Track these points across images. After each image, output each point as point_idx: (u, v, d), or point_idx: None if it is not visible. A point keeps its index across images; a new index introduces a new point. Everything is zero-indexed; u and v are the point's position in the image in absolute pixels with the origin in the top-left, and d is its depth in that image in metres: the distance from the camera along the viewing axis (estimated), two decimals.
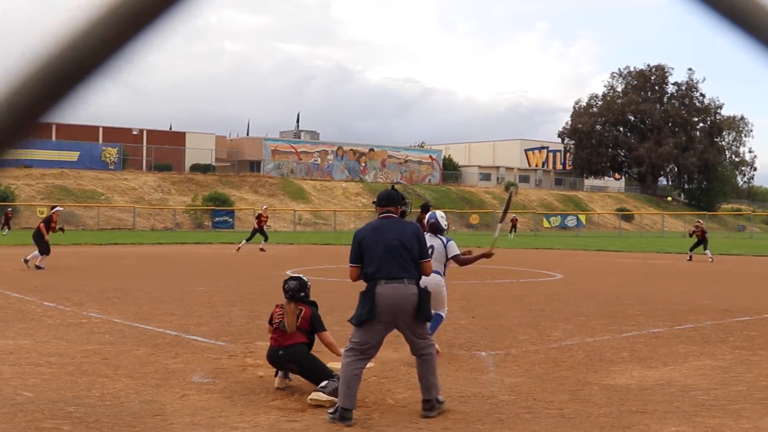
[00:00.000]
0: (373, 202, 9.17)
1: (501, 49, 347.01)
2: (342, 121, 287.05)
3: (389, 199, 8.96)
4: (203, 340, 12.94)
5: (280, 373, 9.64)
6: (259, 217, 40.29)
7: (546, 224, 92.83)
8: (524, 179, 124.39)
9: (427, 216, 12.52)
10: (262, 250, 39.53)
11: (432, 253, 11.64)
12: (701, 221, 40.54)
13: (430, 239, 11.86)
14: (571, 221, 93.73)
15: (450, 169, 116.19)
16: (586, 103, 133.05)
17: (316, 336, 9.71)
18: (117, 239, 50.34)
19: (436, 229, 12.16)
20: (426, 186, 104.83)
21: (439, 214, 12.41)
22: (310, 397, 8.86)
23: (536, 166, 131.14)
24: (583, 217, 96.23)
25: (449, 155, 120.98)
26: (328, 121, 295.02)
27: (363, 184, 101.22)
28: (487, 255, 12.27)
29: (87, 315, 15.53)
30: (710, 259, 37.13)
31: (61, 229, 29.15)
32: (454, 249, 12.04)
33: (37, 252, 26.92)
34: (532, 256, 39.52)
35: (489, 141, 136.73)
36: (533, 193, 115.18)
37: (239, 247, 39.80)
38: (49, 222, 27.44)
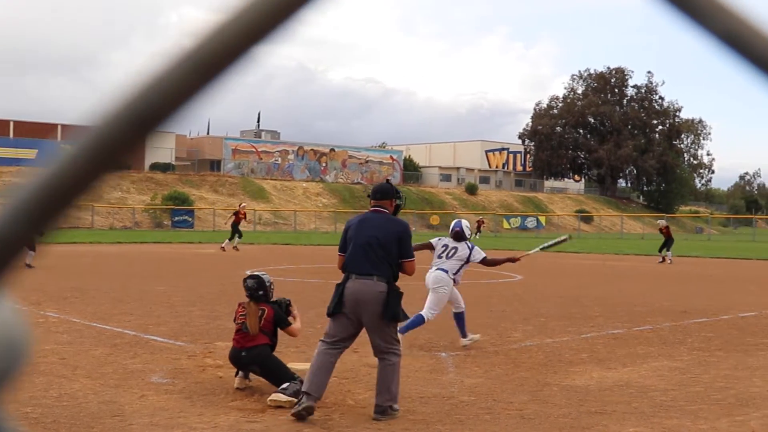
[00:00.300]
0: (368, 195, 9.24)
1: (462, 50, 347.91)
2: (303, 120, 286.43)
3: (383, 193, 9.00)
4: (162, 340, 12.87)
5: (240, 373, 9.61)
6: (236, 214, 40.17)
7: (506, 225, 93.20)
8: (484, 180, 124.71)
9: (453, 224, 13.05)
10: (222, 249, 39.39)
11: (454, 254, 12.54)
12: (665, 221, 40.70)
13: (453, 243, 12.69)
14: (531, 222, 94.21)
15: (410, 170, 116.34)
16: (547, 104, 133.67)
17: (280, 332, 9.71)
18: (75, 238, 49.93)
19: (460, 236, 12.79)
20: None
21: (465, 223, 13.04)
22: (270, 398, 8.82)
23: (496, 167, 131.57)
24: (542, 219, 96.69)
25: (410, 156, 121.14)
26: (289, 120, 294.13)
27: (323, 185, 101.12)
28: (513, 260, 13.30)
29: (44, 314, 15.39)
30: (669, 261, 37.50)
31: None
32: (480, 253, 12.76)
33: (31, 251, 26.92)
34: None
35: (450, 142, 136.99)
36: (493, 195, 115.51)
37: (235, 247, 39.75)
38: None
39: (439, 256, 12.70)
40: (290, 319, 9.90)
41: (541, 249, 14.55)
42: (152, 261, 32.99)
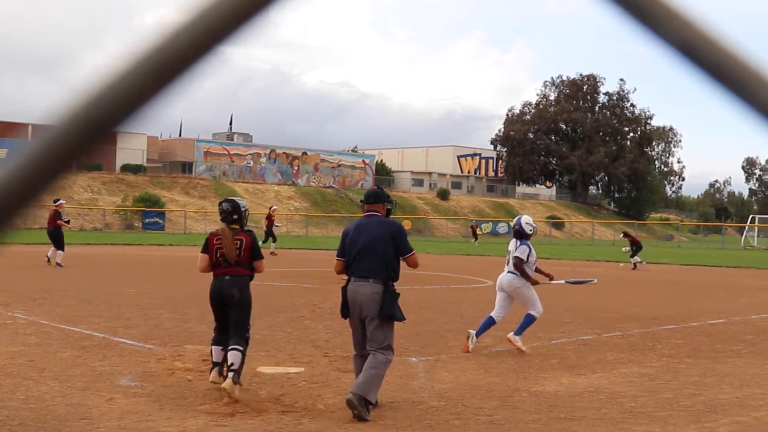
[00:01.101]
0: (360, 201, 9.72)
1: (437, 55, 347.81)
2: (276, 123, 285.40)
3: (376, 197, 9.51)
4: (131, 343, 12.80)
5: (215, 368, 9.60)
6: (269, 217, 39.80)
7: (478, 231, 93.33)
8: (456, 185, 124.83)
9: (514, 221, 13.41)
10: (273, 254, 38.14)
11: (511, 258, 12.95)
12: (627, 232, 41.18)
13: (512, 245, 13.13)
14: (502, 228, 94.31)
15: (383, 174, 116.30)
16: (519, 110, 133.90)
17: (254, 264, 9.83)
18: (44, 239, 49.62)
19: (519, 234, 13.08)
20: (358, 191, 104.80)
21: (524, 220, 13.25)
22: (224, 384, 8.90)
23: (468, 172, 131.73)
24: None
25: (382, 160, 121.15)
26: (261, 123, 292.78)
27: (295, 188, 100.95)
28: (533, 281, 13.14)
29: (12, 316, 15.29)
30: (642, 265, 37.73)
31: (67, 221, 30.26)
32: (521, 253, 12.90)
33: (60, 251, 27.87)
34: (464, 263, 39.69)
35: (422, 147, 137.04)
36: (465, 200, 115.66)
37: (272, 252, 38.42)
38: (60, 216, 28.37)
39: (507, 262, 13.21)
40: None
41: (566, 281, 14.81)
42: (122, 263, 32.83)
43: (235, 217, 9.75)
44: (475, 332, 13.06)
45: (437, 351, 12.89)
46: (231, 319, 9.44)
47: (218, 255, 9.57)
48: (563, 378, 11.07)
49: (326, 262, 34.18)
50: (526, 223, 13.16)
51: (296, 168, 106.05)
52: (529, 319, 13.04)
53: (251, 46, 0.75)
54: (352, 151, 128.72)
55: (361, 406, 8.47)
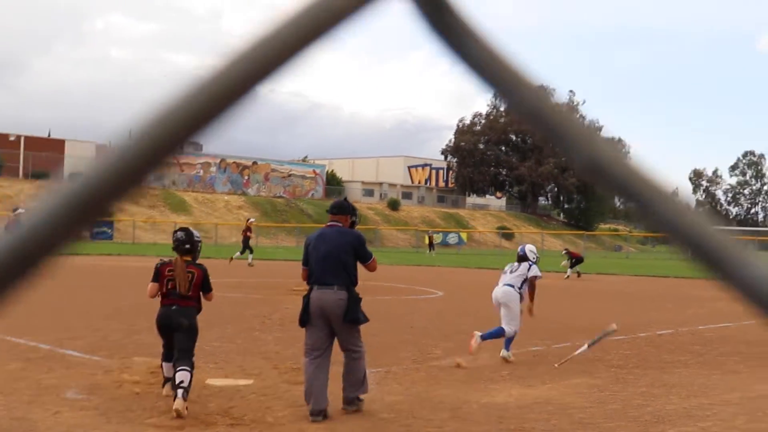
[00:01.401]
0: (327, 211, 10.13)
1: (388, 65, 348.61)
2: (226, 133, 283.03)
3: (340, 209, 9.97)
4: (78, 355, 12.66)
5: (167, 383, 9.56)
6: (247, 229, 41.36)
7: (427, 241, 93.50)
8: (407, 196, 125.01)
9: (518, 249, 14.73)
10: (230, 259, 40.87)
11: (517, 269, 14.11)
12: (569, 250, 42.98)
13: (517, 264, 14.18)
14: (452, 239, 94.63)
15: (333, 185, 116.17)
16: (470, 121, 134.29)
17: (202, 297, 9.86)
18: None
19: (522, 259, 14.24)
20: (309, 200, 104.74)
21: (528, 247, 14.62)
22: (175, 406, 8.78)
23: (419, 183, 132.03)
24: (464, 235, 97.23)
25: (332, 170, 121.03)
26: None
27: (245, 198, 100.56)
28: (531, 309, 14.41)
29: None
30: (567, 276, 38.42)
31: None
32: (534, 272, 14.09)
33: None
34: (414, 273, 39.71)
35: (373, 157, 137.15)
36: (415, 210, 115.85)
37: (250, 263, 40.76)
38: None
39: (504, 272, 14.14)
40: None
41: (589, 346, 14.19)
42: (69, 272, 32.45)
43: (188, 246, 9.72)
44: (480, 335, 13.48)
45: (388, 362, 12.86)
46: (177, 344, 9.37)
47: (168, 286, 9.53)
48: (513, 389, 11.10)
49: (276, 273, 34.11)
50: (530, 251, 14.47)
51: (246, 177, 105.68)
52: (500, 332, 13.40)
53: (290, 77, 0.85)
54: (303, 161, 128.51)
55: (353, 405, 9.35)
